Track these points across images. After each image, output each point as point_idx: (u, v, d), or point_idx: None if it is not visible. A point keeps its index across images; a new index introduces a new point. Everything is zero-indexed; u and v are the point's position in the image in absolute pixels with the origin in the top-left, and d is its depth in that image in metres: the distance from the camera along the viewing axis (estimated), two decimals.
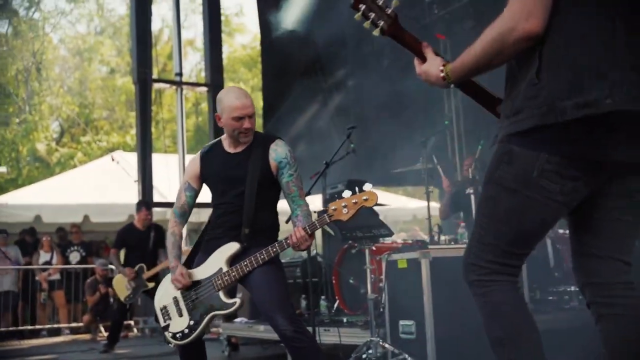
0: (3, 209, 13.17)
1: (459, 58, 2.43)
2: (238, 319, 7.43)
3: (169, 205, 12.62)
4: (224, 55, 15.33)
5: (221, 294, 3.95)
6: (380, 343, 5.20)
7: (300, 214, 4.01)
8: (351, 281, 6.59)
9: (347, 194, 3.79)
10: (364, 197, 3.73)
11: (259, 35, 13.00)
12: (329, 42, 9.84)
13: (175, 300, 4.11)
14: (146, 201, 9.52)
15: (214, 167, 4.15)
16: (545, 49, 2.24)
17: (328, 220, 3.77)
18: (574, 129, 2.19)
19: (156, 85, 12.94)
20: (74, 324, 12.21)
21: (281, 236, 4.09)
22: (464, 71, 2.43)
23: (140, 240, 8.66)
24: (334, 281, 6.86)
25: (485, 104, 2.68)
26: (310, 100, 10.52)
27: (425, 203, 7.04)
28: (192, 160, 4.30)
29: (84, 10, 31.14)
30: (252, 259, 3.86)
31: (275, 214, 4.21)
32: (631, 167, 2.31)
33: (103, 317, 11.04)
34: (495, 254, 2.40)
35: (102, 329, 11.23)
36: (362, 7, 2.64)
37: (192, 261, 4.26)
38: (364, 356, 5.11)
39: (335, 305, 6.89)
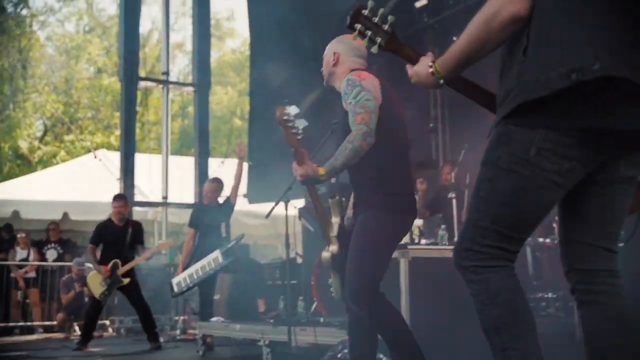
0: None
1: (447, 50, 2.43)
2: (214, 318, 7.42)
3: (150, 204, 12.68)
4: (213, 59, 15.41)
5: None
6: None
7: None
8: (329, 282, 6.60)
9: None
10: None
11: (248, 40, 13.04)
12: (317, 45, 9.86)
13: None
14: (123, 195, 9.48)
15: None
16: (532, 28, 2.24)
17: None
18: (568, 101, 2.16)
19: (142, 85, 12.99)
20: (47, 322, 12.14)
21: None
22: (454, 63, 2.41)
23: (117, 236, 8.61)
24: (312, 282, 6.87)
25: (480, 100, 2.67)
26: (299, 105, 10.52)
27: None
28: None
29: (73, 8, 31.23)
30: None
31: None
32: (630, 142, 2.28)
33: (77, 315, 10.98)
34: (492, 238, 2.34)
35: (76, 327, 11.15)
36: (358, 26, 2.66)
37: None
38: (339, 355, 5.11)
39: (313, 307, 6.91)
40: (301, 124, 3.71)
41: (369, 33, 2.66)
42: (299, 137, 3.63)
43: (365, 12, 2.66)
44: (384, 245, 3.81)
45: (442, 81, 2.50)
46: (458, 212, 6.51)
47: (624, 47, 2.17)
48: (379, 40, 2.67)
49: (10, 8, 29.41)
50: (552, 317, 5.87)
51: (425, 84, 2.58)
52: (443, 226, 6.40)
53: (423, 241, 6.49)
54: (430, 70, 2.50)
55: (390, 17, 2.67)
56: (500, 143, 2.32)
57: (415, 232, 6.53)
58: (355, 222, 3.93)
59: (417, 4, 10.80)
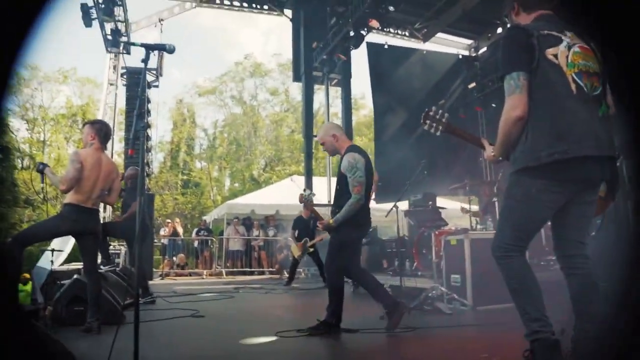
0: (235, 206, 13.83)
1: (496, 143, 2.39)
2: None
3: (322, 205, 12.83)
4: (354, 121, 15.41)
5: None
6: (440, 287, 5.06)
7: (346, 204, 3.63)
8: (424, 251, 6.45)
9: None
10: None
11: (372, 110, 13.03)
12: (413, 109, 9.71)
13: None
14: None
15: None
16: (529, 121, 2.18)
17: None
18: (552, 166, 2.13)
19: (315, 140, 13.19)
20: (270, 269, 12.55)
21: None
22: (500, 150, 2.33)
23: (305, 225, 8.78)
24: (414, 251, 6.74)
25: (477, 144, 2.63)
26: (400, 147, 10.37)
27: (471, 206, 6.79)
28: None
29: (278, 99, 32.32)
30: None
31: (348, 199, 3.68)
32: (588, 183, 2.22)
33: (285, 266, 11.30)
34: (511, 239, 2.27)
35: (284, 273, 11.49)
36: (427, 121, 2.68)
37: None
38: (429, 294, 5.00)
39: (414, 265, 6.78)
40: (312, 196, 4.11)
41: (434, 125, 2.66)
42: (313, 207, 4.04)
43: (431, 112, 2.65)
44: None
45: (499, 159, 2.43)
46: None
47: (586, 133, 2.12)
48: (440, 128, 2.67)
49: (248, 101, 30.88)
50: (557, 271, 5.43)
51: (491, 161, 2.55)
52: (490, 219, 6.08)
53: (479, 227, 6.22)
54: (492, 154, 2.47)
55: (446, 115, 2.66)
56: (515, 185, 2.27)
57: (474, 221, 6.27)
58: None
59: (470, 86, 10.38)
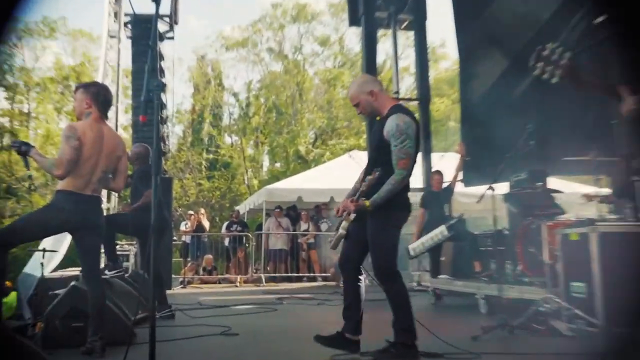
0: (276, 192, 13.97)
1: None
2: (441, 275, 7.30)
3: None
4: (431, 77, 15.10)
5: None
6: (555, 299, 4.86)
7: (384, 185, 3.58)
8: (532, 250, 6.24)
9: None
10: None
11: (457, 60, 12.66)
12: (511, 58, 9.33)
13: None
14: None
15: (370, 133, 3.96)
16: None
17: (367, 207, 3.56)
18: None
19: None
20: (324, 274, 12.66)
21: None
22: None
23: None
24: (517, 249, 6.51)
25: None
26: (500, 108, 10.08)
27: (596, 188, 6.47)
28: None
29: (330, 51, 32.22)
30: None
31: (391, 173, 3.60)
32: None
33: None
34: None
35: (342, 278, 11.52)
36: (539, 64, 2.48)
37: None
38: (541, 309, 4.81)
39: (518, 268, 6.55)
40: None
41: (549, 69, 2.44)
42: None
43: (546, 51, 2.45)
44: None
45: None
46: None
47: None
48: (558, 72, 2.45)
49: (290, 55, 31.13)
50: None
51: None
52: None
53: (612, 217, 5.90)
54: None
55: (567, 54, 2.42)
56: None
57: (605, 209, 5.97)
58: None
59: (596, 21, 9.80)
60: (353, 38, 32.19)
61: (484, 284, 6.24)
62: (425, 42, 12.99)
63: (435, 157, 11.98)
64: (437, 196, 7.86)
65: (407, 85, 30.64)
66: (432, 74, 27.23)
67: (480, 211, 14.09)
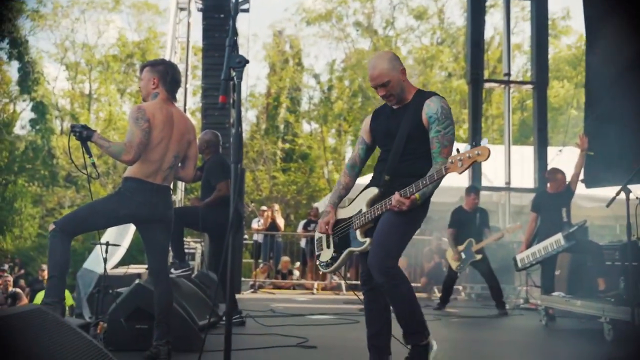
0: (361, 188, 13.95)
1: None
2: (556, 293, 7.06)
3: (494, 189, 12.50)
4: (550, 55, 14.66)
5: (358, 233, 3.70)
6: None
7: (429, 172, 3.49)
8: None
9: (462, 148, 3.35)
10: (477, 152, 3.18)
11: (584, 36, 12.19)
12: None
13: (327, 234, 3.93)
14: (475, 187, 9.43)
15: (379, 122, 3.83)
16: None
17: (444, 173, 3.31)
18: None
19: (486, 85, 12.88)
20: (416, 284, 12.57)
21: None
22: None
23: (469, 221, 8.63)
24: None
25: None
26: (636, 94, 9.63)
27: None
28: (368, 116, 4.00)
29: (428, 25, 31.87)
30: (383, 203, 3.57)
31: (428, 166, 3.57)
32: None
33: (436, 280, 11.26)
34: None
35: (435, 290, 11.43)
36: None
37: None
38: None
39: None
40: None
41: None
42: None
43: None
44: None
45: None
46: None
47: None
48: None
49: (380, 31, 31.00)
50: None
51: None
52: None
53: None
54: None
55: None
56: None
57: None
58: None
59: None
60: (455, 10, 31.74)
61: (611, 306, 5.96)
62: (546, 13, 12.63)
63: (551, 151, 11.65)
64: (554, 199, 7.59)
65: (519, 65, 29.92)
66: (551, 52, 26.47)
67: (605, 218, 13.58)
